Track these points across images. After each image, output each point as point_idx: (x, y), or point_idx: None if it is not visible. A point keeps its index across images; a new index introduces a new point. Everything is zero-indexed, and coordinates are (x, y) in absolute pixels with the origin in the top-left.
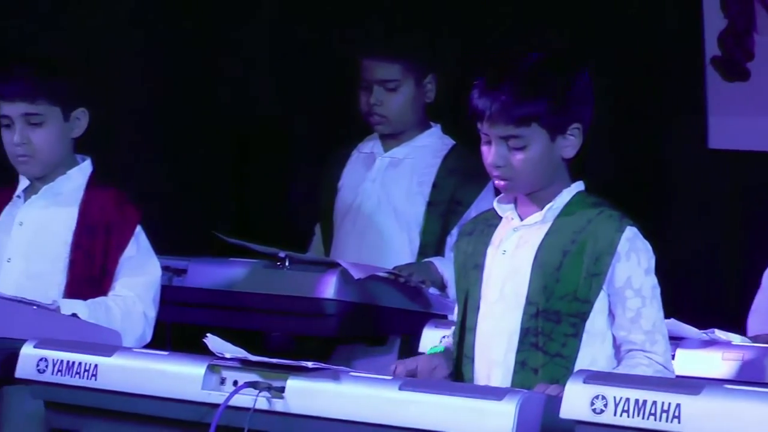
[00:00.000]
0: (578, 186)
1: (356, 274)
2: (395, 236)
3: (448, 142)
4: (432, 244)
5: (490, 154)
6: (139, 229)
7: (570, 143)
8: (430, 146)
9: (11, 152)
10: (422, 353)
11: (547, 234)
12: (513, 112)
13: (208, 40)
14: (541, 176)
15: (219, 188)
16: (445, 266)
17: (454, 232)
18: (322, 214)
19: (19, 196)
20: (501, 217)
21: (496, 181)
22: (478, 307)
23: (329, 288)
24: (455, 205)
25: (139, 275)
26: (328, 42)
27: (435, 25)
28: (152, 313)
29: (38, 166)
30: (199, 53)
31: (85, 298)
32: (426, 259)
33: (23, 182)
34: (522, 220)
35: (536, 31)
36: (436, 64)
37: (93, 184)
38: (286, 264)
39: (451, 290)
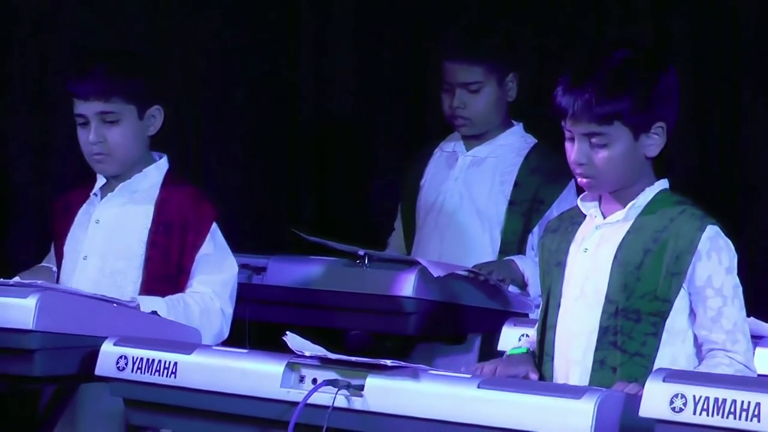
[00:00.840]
0: (662, 184)
1: (435, 272)
2: (477, 235)
3: (530, 140)
4: (513, 242)
5: (573, 151)
6: (215, 226)
7: (654, 142)
8: (512, 145)
9: (87, 151)
10: (502, 352)
11: (628, 232)
12: (596, 110)
13: (290, 36)
14: (624, 175)
15: (299, 185)
16: (526, 264)
17: (536, 230)
18: (403, 213)
19: (95, 194)
20: (585, 215)
21: (579, 179)
22: (559, 305)
23: (408, 286)
24: (537, 203)
25: (216, 272)
26: (410, 40)
27: (513, 23)
28: (229, 310)
29: (114, 165)
30: (280, 49)
31: (162, 296)
32: (507, 258)
33: (100, 180)
34: (605, 218)
35: (615, 27)
36: (517, 63)
37: (169, 181)
38: (365, 262)
39: (532, 288)
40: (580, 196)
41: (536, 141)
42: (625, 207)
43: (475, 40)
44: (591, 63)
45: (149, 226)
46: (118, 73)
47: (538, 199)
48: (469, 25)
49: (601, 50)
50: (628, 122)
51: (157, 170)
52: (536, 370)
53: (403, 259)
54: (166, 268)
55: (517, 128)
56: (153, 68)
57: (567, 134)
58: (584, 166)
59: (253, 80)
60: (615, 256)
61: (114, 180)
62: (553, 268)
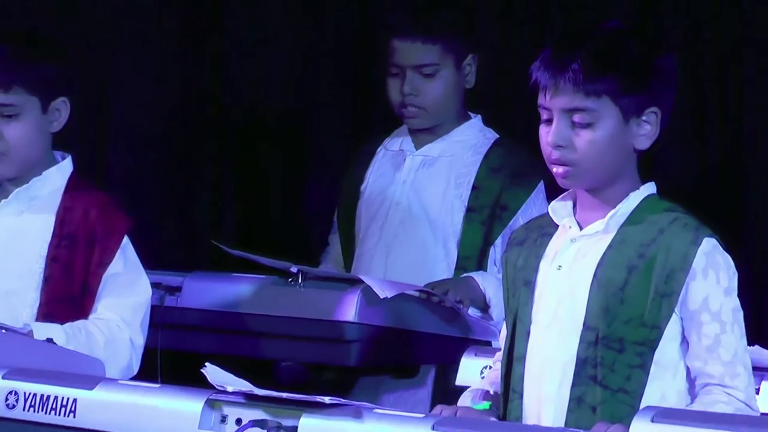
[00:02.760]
0: (649, 188)
1: (382, 293)
2: (429, 248)
3: (491, 135)
4: (472, 256)
5: (549, 132)
6: (126, 240)
7: (645, 131)
8: (469, 141)
9: None
10: (461, 387)
11: (609, 246)
12: (584, 80)
13: (215, 21)
14: (609, 165)
15: (222, 191)
16: (488, 282)
17: (499, 242)
18: (342, 224)
19: None
20: (557, 226)
21: (554, 168)
22: (528, 333)
23: (350, 309)
24: (500, 210)
25: (126, 295)
26: (353, 20)
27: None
28: (140, 340)
29: (11, 166)
30: (202, 33)
31: (62, 321)
32: (465, 275)
33: None
34: (581, 229)
35: (596, 9)
36: (477, 43)
37: (74, 186)
38: (300, 280)
39: (495, 311)
40: (552, 202)
41: (498, 136)
42: (605, 216)
43: (431, 12)
44: (580, 31)
45: (49, 239)
46: (23, 58)
47: (500, 205)
48: None
49: (589, 21)
50: (618, 99)
51: (60, 173)
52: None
53: (344, 277)
54: (67, 289)
55: (475, 121)
56: (61, 52)
57: (543, 114)
58: (563, 150)
59: (170, 69)
60: (594, 275)
61: (9, 184)
62: (520, 289)
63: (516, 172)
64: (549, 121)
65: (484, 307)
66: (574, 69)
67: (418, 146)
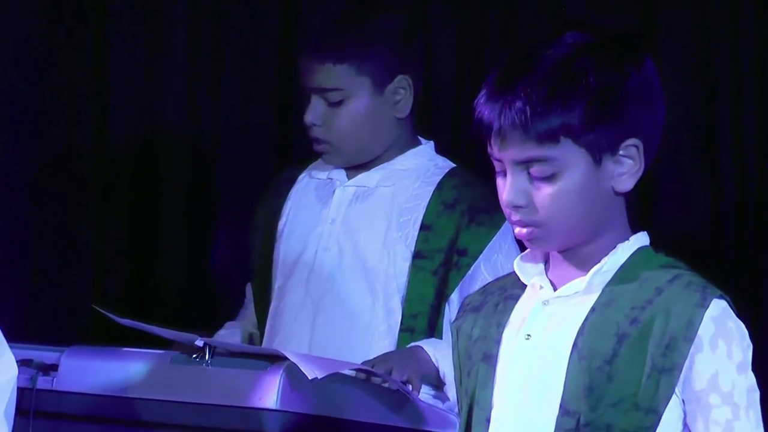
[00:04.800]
0: (640, 239)
1: (311, 373)
2: (366, 306)
3: (444, 164)
4: (421, 314)
5: (504, 189)
6: None
7: (626, 169)
8: (417, 170)
9: None
10: None
11: (593, 309)
12: (532, 123)
13: (96, 27)
14: (584, 219)
15: (106, 242)
16: (441, 352)
17: (455, 297)
18: (255, 269)
19: None
20: (524, 286)
21: (516, 230)
22: (489, 420)
23: (271, 393)
24: (456, 255)
25: None
26: (260, 29)
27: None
28: (3, 431)
29: None
30: (80, 44)
31: None
32: (412, 344)
33: None
34: (555, 289)
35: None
36: (411, 57)
37: None
38: (207, 356)
39: (452, 389)
40: (519, 256)
41: (453, 165)
42: (586, 272)
43: (337, 26)
44: (527, 55)
45: None
46: None
47: (457, 249)
48: (335, 6)
49: (543, 37)
50: (582, 138)
51: None
52: None
53: (262, 352)
54: None
55: (425, 148)
56: None
57: (497, 166)
58: (522, 210)
59: (39, 86)
60: (574, 345)
61: None
62: (477, 365)
63: (476, 207)
64: (504, 173)
65: (437, 384)
66: (519, 109)
67: (351, 175)
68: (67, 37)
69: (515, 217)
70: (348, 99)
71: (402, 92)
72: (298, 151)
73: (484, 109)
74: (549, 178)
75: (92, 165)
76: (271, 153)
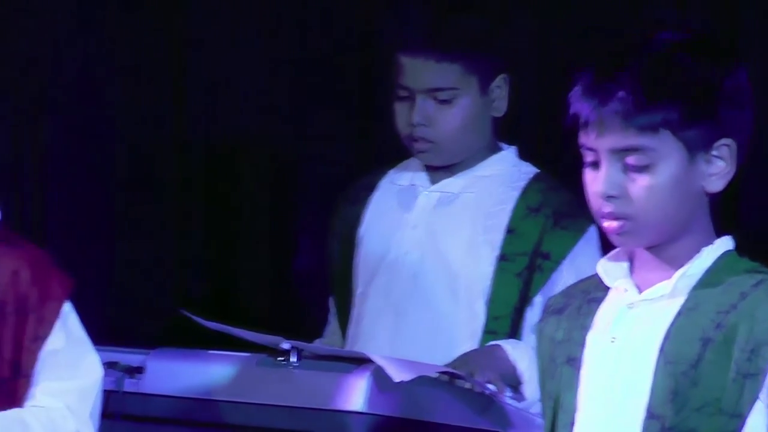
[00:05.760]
0: (725, 243)
1: (397, 375)
2: (447, 310)
3: (528, 169)
4: (504, 317)
5: (596, 179)
6: (68, 308)
7: (718, 170)
8: (501, 175)
9: None
10: None
11: (679, 314)
12: (635, 113)
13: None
14: (674, 216)
15: (190, 247)
16: (521, 353)
17: (538, 300)
18: (335, 278)
19: None
20: (608, 288)
21: (605, 223)
22: (573, 423)
23: (357, 395)
24: (540, 258)
25: (70, 377)
26: (345, 29)
27: (504, 5)
28: None
29: None
30: (161, 48)
31: None
32: (491, 342)
33: None
34: (641, 291)
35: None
36: (510, 59)
37: (0, 240)
38: (293, 359)
39: (529, 388)
40: (603, 258)
41: (537, 170)
42: (671, 276)
43: (449, 22)
44: (627, 49)
45: None
46: None
47: (541, 253)
48: (439, 3)
49: (639, 34)
50: (681, 132)
51: None
52: None
53: (348, 355)
54: None
55: (508, 153)
56: None
57: (587, 156)
58: (615, 201)
59: (119, 93)
60: (661, 349)
61: None
62: (561, 368)
63: (561, 212)
64: (595, 164)
65: (515, 384)
66: (622, 98)
67: (434, 180)
68: (150, 39)
69: (607, 208)
70: (456, 98)
71: (500, 92)
72: (380, 156)
73: (582, 99)
74: (644, 169)
75: (174, 167)
76: (351, 155)
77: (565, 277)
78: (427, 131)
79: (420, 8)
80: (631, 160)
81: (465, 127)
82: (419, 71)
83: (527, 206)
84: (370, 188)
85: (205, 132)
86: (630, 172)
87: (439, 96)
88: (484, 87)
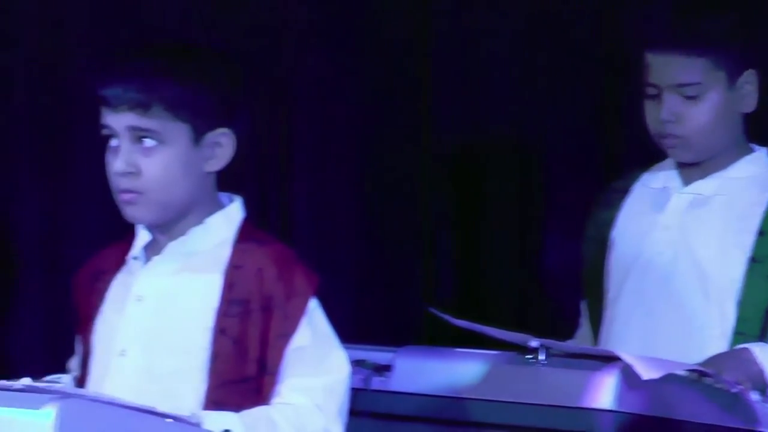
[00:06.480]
0: None
1: (645, 373)
2: (700, 310)
3: None
4: (754, 320)
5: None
6: (314, 305)
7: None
8: (754, 178)
9: (115, 186)
10: None
11: None
12: None
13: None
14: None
15: (437, 243)
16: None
17: None
18: (588, 279)
19: (136, 258)
20: None
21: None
22: None
23: (606, 393)
24: None
25: (317, 374)
26: (598, 23)
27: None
28: (337, 429)
29: (150, 210)
30: (410, 44)
31: (237, 408)
32: (739, 346)
33: (142, 236)
34: None
35: None
36: (757, 53)
37: (245, 238)
38: (541, 357)
39: None
40: None
41: None
42: None
43: (694, 17)
44: None
45: (216, 305)
46: (167, 74)
47: None
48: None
49: None
50: None
51: (227, 221)
52: None
53: (596, 353)
54: (241, 368)
55: (760, 154)
56: (225, 70)
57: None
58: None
59: (368, 86)
60: None
61: (161, 235)
62: None
63: None
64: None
65: (762, 388)
66: None
67: (686, 182)
68: (394, 44)
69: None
70: (704, 93)
71: (749, 88)
72: (624, 157)
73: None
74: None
75: (422, 166)
76: (595, 154)
77: None
78: (676, 127)
79: (666, 4)
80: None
81: (714, 122)
82: (666, 67)
83: None
84: (624, 192)
85: (453, 130)
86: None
87: (686, 92)
88: (732, 82)
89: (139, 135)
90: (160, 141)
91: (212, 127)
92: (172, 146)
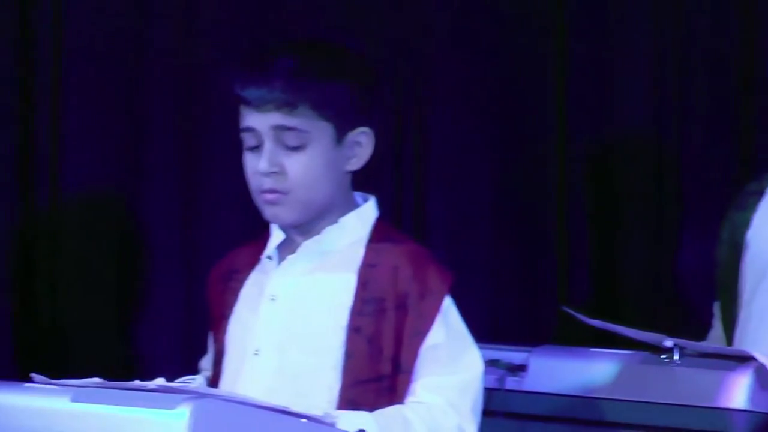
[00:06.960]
0: None
1: None
2: None
3: None
4: None
5: None
6: (448, 303)
7: None
8: None
9: (255, 186)
10: None
11: None
12: None
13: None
14: None
15: (571, 245)
16: None
17: None
18: (722, 281)
19: (270, 257)
20: None
21: None
22: None
23: (739, 393)
24: None
25: (450, 373)
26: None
27: None
28: (471, 428)
29: (294, 210)
30: (545, 44)
31: (370, 407)
32: None
33: (276, 235)
34: None
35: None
36: None
37: (379, 237)
38: (675, 357)
39: None
40: None
41: None
42: None
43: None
44: None
45: (350, 304)
46: (314, 73)
47: None
48: None
49: None
50: None
51: (361, 220)
52: None
53: (730, 353)
54: (375, 367)
55: None
56: (365, 69)
57: None
58: None
59: (503, 86)
60: None
61: (296, 234)
62: None
63: None
64: None
65: None
66: None
67: None
68: (529, 44)
69: None
70: None
71: None
72: (760, 160)
73: None
74: None
75: (557, 166)
76: (730, 156)
77: None
78: None
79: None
80: None
81: None
82: None
83: None
84: (759, 194)
85: (588, 131)
86: None
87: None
88: None
89: (283, 135)
90: (305, 141)
91: (354, 126)
92: (316, 146)
